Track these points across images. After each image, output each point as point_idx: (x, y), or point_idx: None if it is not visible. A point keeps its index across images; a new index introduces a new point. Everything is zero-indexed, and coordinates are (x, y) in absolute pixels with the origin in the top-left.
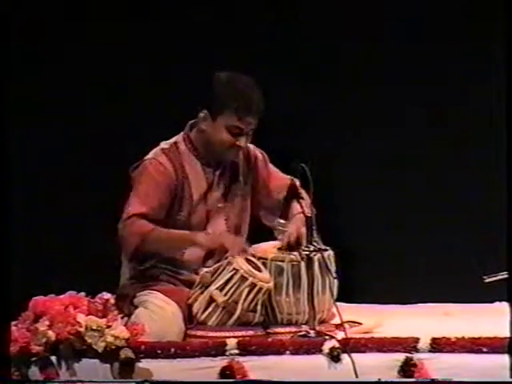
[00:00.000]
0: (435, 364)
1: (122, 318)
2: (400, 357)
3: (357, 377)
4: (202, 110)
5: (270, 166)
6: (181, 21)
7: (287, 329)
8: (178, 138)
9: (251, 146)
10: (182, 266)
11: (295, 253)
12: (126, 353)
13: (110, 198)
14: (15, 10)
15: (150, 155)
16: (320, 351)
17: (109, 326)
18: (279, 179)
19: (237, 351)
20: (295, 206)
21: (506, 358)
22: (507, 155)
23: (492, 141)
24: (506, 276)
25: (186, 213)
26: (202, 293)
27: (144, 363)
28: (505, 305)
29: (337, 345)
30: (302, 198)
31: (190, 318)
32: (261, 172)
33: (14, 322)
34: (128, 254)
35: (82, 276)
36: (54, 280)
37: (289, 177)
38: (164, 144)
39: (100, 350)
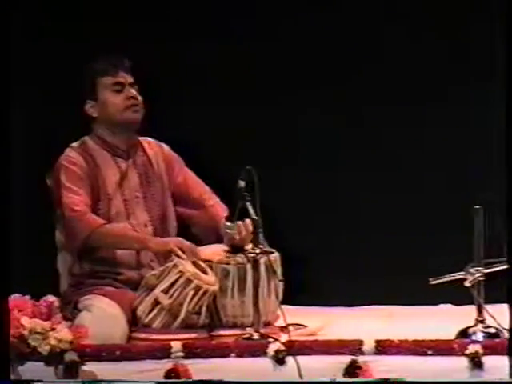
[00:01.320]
0: (380, 366)
1: (67, 321)
2: (345, 359)
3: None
4: (85, 103)
5: (188, 169)
6: None
7: (232, 331)
8: (85, 137)
9: (165, 146)
10: (118, 266)
11: (241, 255)
12: (71, 356)
13: None
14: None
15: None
16: (265, 354)
17: (53, 329)
18: (197, 183)
19: (182, 354)
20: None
21: (452, 360)
22: (506, 155)
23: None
24: (451, 278)
25: (103, 204)
26: (147, 295)
27: (89, 366)
28: (449, 307)
29: (282, 347)
30: (248, 201)
31: (134, 321)
32: (177, 171)
33: None
34: (74, 249)
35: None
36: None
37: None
38: (72, 144)
39: (45, 353)
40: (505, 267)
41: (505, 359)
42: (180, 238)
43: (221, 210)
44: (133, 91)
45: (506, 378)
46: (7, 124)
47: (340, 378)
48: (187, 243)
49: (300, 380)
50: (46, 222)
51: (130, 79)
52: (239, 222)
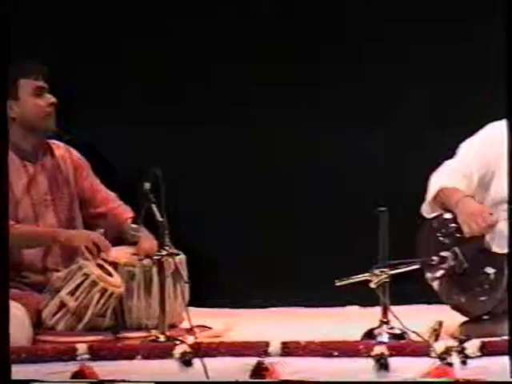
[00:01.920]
0: (286, 368)
1: None
2: (251, 361)
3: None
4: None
5: (94, 177)
6: None
7: (137, 334)
8: None
9: (73, 150)
10: (24, 269)
11: (147, 258)
12: None
13: None
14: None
15: None
16: (171, 356)
17: None
18: (102, 187)
19: (88, 356)
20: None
21: (358, 361)
22: (509, 152)
23: None
24: (357, 279)
25: (11, 208)
26: (52, 298)
27: None
28: (355, 309)
29: (188, 349)
30: (153, 203)
31: (39, 324)
32: (84, 175)
33: None
34: None
35: None
36: None
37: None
38: None
39: None
40: (410, 268)
41: (411, 360)
42: (91, 232)
43: (125, 212)
44: (53, 98)
45: (507, 378)
46: (6, 124)
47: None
48: (101, 238)
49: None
50: None
51: (46, 85)
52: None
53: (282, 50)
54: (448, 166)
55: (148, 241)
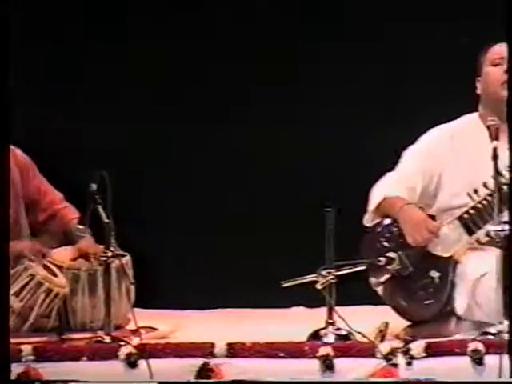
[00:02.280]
0: (232, 369)
1: None
2: (197, 362)
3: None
4: None
5: (40, 174)
6: None
7: (82, 335)
8: None
9: (18, 151)
10: None
11: (92, 258)
12: None
13: None
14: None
15: None
16: (116, 357)
17: None
18: (48, 188)
19: (33, 357)
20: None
21: (304, 362)
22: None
23: None
24: (303, 281)
25: None
26: None
27: None
28: (301, 310)
29: (133, 350)
30: (99, 204)
31: None
32: (31, 176)
33: None
34: None
35: None
36: None
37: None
38: None
39: None
40: (356, 269)
41: (356, 360)
42: (31, 241)
43: (71, 213)
44: None
45: (507, 378)
46: (6, 124)
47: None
48: (38, 246)
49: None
50: None
51: None
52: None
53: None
54: (390, 177)
55: (85, 240)
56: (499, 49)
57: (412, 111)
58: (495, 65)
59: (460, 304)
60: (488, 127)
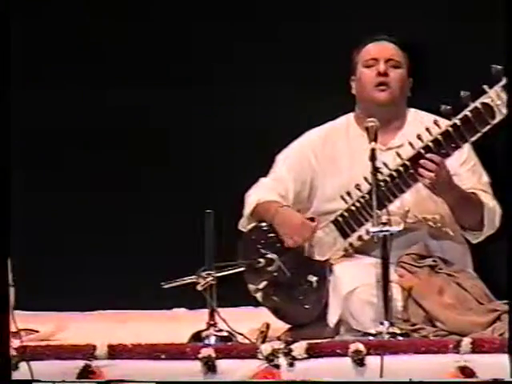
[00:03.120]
0: (113, 370)
1: None
2: (78, 364)
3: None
4: None
5: None
6: None
7: None
8: None
9: None
10: None
11: None
12: None
13: None
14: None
15: None
16: None
17: None
18: None
19: None
20: None
21: (186, 363)
22: (507, 155)
23: None
24: (183, 282)
25: None
26: None
27: None
28: (182, 311)
29: (14, 353)
30: None
31: None
32: None
33: None
34: None
35: None
36: None
37: None
38: None
39: None
40: (237, 271)
41: (238, 362)
42: None
43: None
44: None
45: (507, 378)
46: (7, 124)
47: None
48: None
49: None
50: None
51: None
52: None
53: None
54: (264, 183)
55: None
56: (372, 49)
57: (288, 113)
58: (368, 66)
59: (331, 318)
60: (366, 128)
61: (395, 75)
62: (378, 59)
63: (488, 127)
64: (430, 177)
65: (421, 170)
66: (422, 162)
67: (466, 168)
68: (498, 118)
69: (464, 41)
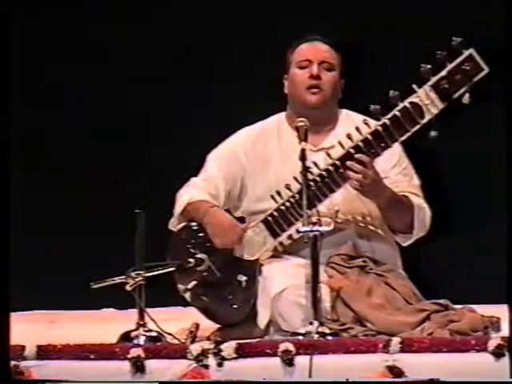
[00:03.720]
0: (43, 371)
1: None
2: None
3: None
4: None
5: None
6: None
7: None
8: None
9: None
10: None
11: None
12: None
13: None
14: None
15: None
16: None
17: None
18: None
19: None
20: None
21: (115, 363)
22: (507, 157)
23: None
24: (112, 282)
25: None
26: None
27: None
28: (111, 311)
29: None
30: None
31: None
32: None
33: None
34: None
35: None
36: None
37: None
38: None
39: None
40: (166, 271)
41: (167, 362)
42: None
43: None
44: None
45: (507, 378)
46: (7, 124)
47: None
48: None
49: None
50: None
51: None
52: None
53: None
54: (194, 183)
55: None
56: (306, 50)
57: (220, 112)
58: (301, 67)
59: (261, 319)
60: (297, 128)
61: (328, 78)
62: (312, 61)
63: (417, 127)
64: (357, 178)
65: (348, 172)
66: (348, 163)
67: (397, 171)
68: (427, 117)
69: (396, 41)
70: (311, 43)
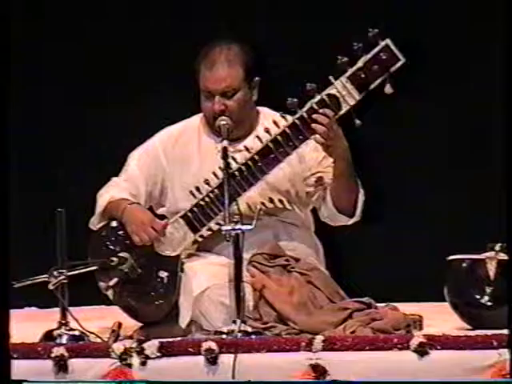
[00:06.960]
0: None
1: None
2: None
3: None
4: None
5: None
6: None
7: None
8: None
9: None
10: None
11: None
12: None
13: None
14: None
15: None
16: None
17: None
18: None
19: None
20: None
21: (39, 363)
22: (507, 155)
23: None
24: (34, 281)
25: None
26: None
27: None
28: (34, 310)
29: None
30: None
31: None
32: None
33: None
34: None
35: None
36: None
37: None
38: None
39: None
40: (88, 269)
41: (90, 361)
42: None
43: None
44: None
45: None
46: (6, 124)
47: None
48: None
49: None
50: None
51: None
52: None
53: None
54: (115, 182)
55: None
56: (207, 81)
57: (143, 111)
58: (205, 97)
59: (182, 319)
60: (219, 127)
61: (233, 103)
62: (214, 93)
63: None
64: (322, 130)
65: (314, 125)
66: (314, 116)
67: (326, 164)
68: (344, 109)
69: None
70: (212, 71)
